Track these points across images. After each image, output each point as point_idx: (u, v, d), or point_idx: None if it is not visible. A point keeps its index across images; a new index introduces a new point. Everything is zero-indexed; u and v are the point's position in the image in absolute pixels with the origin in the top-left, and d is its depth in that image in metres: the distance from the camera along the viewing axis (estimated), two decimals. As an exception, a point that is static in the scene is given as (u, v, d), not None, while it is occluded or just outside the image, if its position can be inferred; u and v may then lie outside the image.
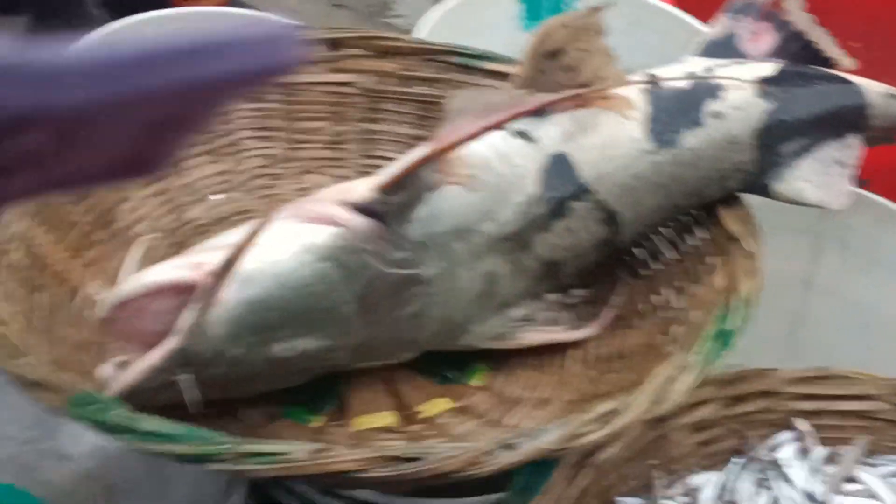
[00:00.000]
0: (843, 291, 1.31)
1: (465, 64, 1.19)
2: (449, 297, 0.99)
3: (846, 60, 1.15)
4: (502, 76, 1.17)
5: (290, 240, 0.94)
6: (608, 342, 1.06)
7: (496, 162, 1.02)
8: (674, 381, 0.91)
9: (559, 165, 1.03)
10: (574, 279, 1.08)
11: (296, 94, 1.17)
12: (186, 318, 0.89)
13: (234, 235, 0.96)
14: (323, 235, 0.94)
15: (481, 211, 1.00)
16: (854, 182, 1.12)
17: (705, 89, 1.08)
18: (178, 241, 1.09)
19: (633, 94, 1.06)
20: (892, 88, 1.16)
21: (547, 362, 1.05)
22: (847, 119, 1.13)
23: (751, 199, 1.10)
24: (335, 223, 0.95)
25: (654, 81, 1.08)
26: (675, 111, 1.07)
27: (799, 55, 1.15)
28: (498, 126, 0.99)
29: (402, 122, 1.20)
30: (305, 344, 0.93)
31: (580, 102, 1.03)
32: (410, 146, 1.18)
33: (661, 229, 1.11)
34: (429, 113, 1.19)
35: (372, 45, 1.18)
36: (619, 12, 1.45)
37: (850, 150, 1.13)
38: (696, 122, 1.07)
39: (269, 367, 0.94)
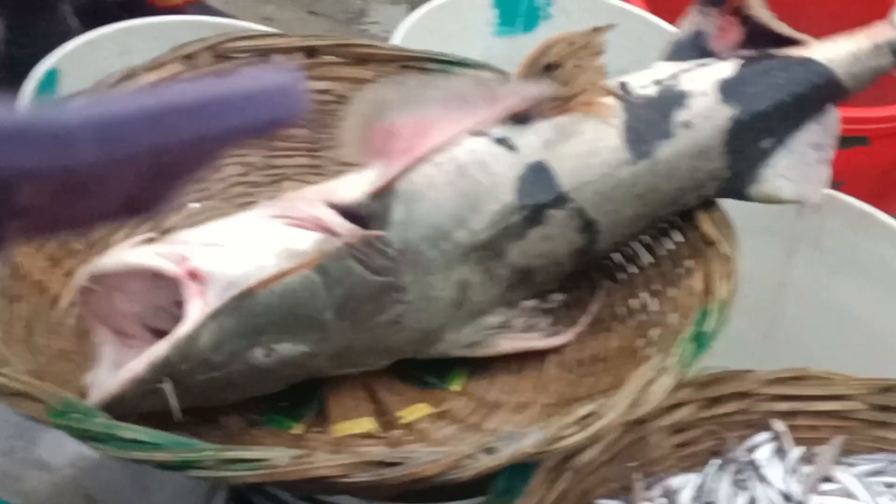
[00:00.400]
0: (817, 292, 1.32)
1: (442, 71, 1.19)
2: (423, 305, 0.99)
3: (810, 41, 1.14)
4: (478, 82, 1.18)
5: (277, 244, 0.94)
6: (587, 346, 1.07)
7: (473, 168, 1.02)
8: (652, 383, 0.92)
9: (538, 173, 1.03)
10: (549, 286, 1.08)
11: (273, 102, 1.17)
12: (180, 330, 0.89)
13: (219, 229, 0.96)
14: (309, 241, 0.94)
15: (455, 218, 1.01)
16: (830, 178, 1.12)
17: (673, 98, 1.09)
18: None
19: (613, 101, 1.07)
20: (851, 45, 1.14)
21: (526, 366, 1.06)
22: (821, 96, 1.12)
23: (725, 202, 1.11)
24: (321, 228, 0.95)
25: (625, 90, 1.08)
26: (647, 121, 1.08)
27: (765, 45, 1.15)
28: (485, 124, 0.98)
29: (379, 128, 1.20)
30: (285, 350, 0.94)
31: (563, 107, 1.04)
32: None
33: (642, 234, 1.12)
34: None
35: (349, 52, 1.19)
36: (592, 17, 1.47)
37: (828, 128, 1.12)
38: (667, 133, 1.07)
39: (248, 373, 0.94)
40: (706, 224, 1.07)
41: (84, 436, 0.83)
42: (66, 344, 0.98)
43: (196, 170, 0.56)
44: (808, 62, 1.13)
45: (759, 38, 1.15)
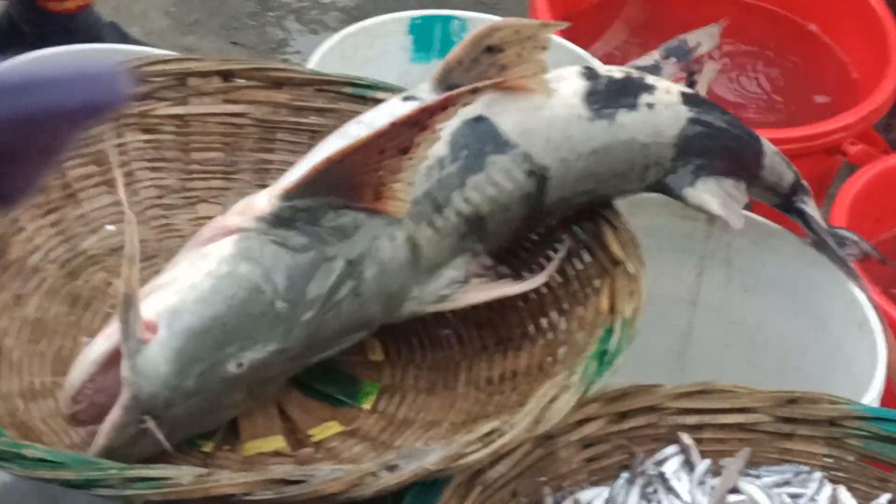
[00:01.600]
0: (726, 309, 1.35)
1: (357, 94, 1.21)
2: (379, 271, 1.01)
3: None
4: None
5: (200, 262, 0.96)
6: (497, 364, 1.09)
7: None
8: (555, 400, 0.94)
9: (477, 125, 1.05)
10: (503, 236, 1.09)
11: (189, 125, 1.19)
12: (124, 368, 0.91)
13: (157, 277, 0.98)
14: (228, 245, 0.97)
15: None
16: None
17: (640, 84, 1.14)
18: (72, 272, 1.10)
19: (570, 74, 1.11)
20: (778, 152, 1.24)
21: (438, 384, 1.08)
22: (745, 160, 1.20)
23: (638, 222, 1.14)
24: (234, 230, 0.97)
25: (589, 69, 1.13)
26: (611, 93, 1.12)
27: None
28: (404, 126, 0.99)
29: (295, 151, 1.21)
30: (254, 355, 0.95)
31: (500, 85, 1.06)
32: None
33: (551, 255, 1.13)
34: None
35: (264, 75, 1.20)
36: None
37: (742, 193, 1.20)
38: (631, 106, 1.12)
39: (228, 389, 0.95)
40: (613, 244, 1.09)
41: (-11, 455, 0.83)
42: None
43: (33, 161, 0.57)
44: (750, 130, 1.22)
45: None
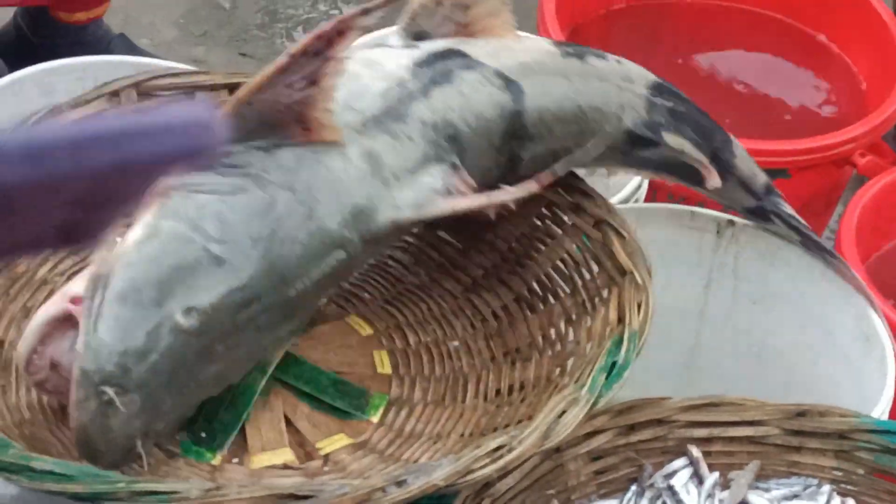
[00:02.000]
0: (734, 321, 1.35)
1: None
2: (333, 190, 0.99)
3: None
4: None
5: (130, 233, 0.96)
6: (506, 375, 1.09)
7: (359, 66, 1.02)
8: (564, 414, 0.94)
9: (443, 54, 1.06)
10: (484, 156, 1.07)
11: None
12: (76, 346, 0.91)
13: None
14: (151, 210, 0.96)
15: (343, 106, 1.00)
16: None
17: (605, 52, 1.17)
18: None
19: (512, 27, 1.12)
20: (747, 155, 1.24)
21: (446, 396, 1.08)
22: (715, 141, 1.19)
23: (645, 234, 1.14)
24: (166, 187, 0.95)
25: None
26: (581, 48, 1.15)
27: None
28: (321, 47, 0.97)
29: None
30: (203, 300, 0.94)
31: (464, 32, 1.08)
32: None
33: (559, 265, 1.13)
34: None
35: (272, 88, 1.20)
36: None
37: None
38: (601, 56, 1.15)
39: (193, 343, 0.94)
40: (620, 254, 1.09)
41: (-2, 467, 0.84)
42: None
43: (125, 200, 0.58)
44: (719, 126, 1.21)
45: None
